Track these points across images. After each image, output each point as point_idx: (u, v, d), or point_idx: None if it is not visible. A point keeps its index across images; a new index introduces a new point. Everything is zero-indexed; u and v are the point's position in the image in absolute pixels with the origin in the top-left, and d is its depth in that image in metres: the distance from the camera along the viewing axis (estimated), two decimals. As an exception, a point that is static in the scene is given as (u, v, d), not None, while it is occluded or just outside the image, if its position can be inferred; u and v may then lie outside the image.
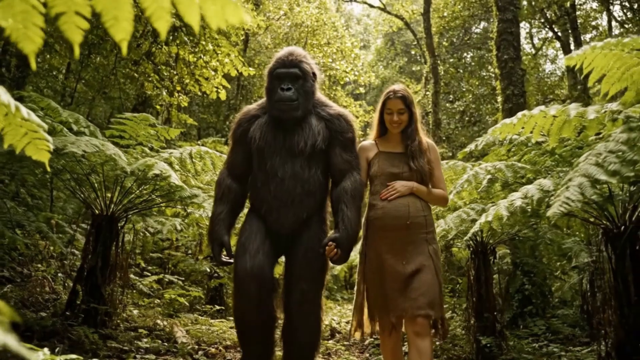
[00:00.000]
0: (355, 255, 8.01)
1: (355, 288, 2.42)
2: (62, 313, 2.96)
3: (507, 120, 2.20)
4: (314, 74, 2.28)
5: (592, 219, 2.47)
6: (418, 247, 2.22)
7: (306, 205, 2.21)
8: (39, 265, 4.57)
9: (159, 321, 3.32)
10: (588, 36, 17.76)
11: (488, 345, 3.48)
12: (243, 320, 2.15)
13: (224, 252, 2.20)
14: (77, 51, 0.72)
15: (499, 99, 6.55)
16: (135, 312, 3.52)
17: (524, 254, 4.80)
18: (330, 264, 2.30)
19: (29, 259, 4.63)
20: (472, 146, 2.79)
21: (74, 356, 1.78)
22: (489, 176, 2.65)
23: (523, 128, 2.12)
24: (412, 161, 2.30)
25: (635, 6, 14.04)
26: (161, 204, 3.20)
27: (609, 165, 1.63)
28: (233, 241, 2.37)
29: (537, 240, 3.48)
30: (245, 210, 2.43)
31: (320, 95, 2.37)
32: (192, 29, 6.65)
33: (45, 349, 1.72)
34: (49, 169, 1.39)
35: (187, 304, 4.19)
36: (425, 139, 2.39)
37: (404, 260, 2.20)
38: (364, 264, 2.34)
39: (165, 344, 2.91)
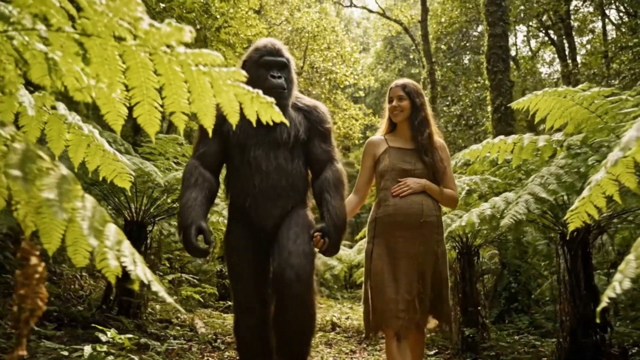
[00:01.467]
0: (355, 256, 8.47)
1: (363, 290, 2.33)
2: (99, 306, 3.45)
3: (474, 147, 2.69)
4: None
5: (551, 225, 2.96)
6: (429, 248, 2.18)
7: (291, 199, 2.16)
8: (64, 265, 5.07)
9: (179, 314, 3.81)
10: (585, 39, 18.27)
11: (471, 335, 3.97)
12: (248, 339, 2.13)
13: (201, 239, 2.02)
14: (181, 133, 1.21)
15: (489, 108, 7.04)
16: (158, 306, 4.01)
17: (510, 254, 5.29)
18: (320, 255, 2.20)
19: (53, 259, 5.13)
20: (452, 162, 3.27)
21: (129, 335, 2.28)
22: (467, 188, 3.14)
23: (489, 152, 2.61)
24: (424, 155, 2.24)
25: (631, 10, 14.50)
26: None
27: (549, 185, 2.12)
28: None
29: (509, 243, 3.97)
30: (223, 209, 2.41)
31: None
32: (200, 41, 7.09)
33: (113, 329, 2.22)
34: (129, 194, 1.88)
35: (201, 300, 4.68)
36: (437, 137, 2.34)
37: (419, 263, 2.15)
38: (370, 265, 2.26)
39: (190, 333, 3.41)
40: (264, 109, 1.16)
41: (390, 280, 2.15)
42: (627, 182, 1.48)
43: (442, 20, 14.00)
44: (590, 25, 16.73)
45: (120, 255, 1.00)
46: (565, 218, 1.58)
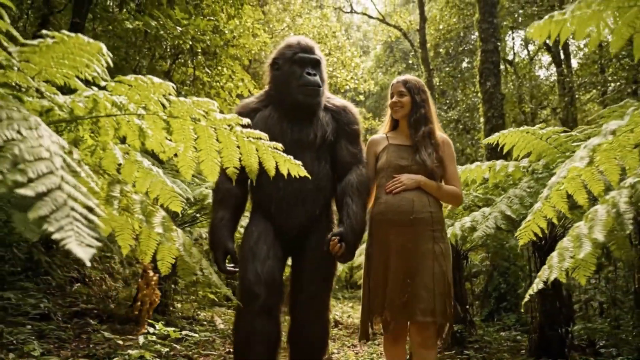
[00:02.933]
0: (355, 258, 8.98)
1: (362, 289, 2.34)
2: (130, 305, 3.97)
3: (455, 171, 3.23)
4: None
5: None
6: (423, 245, 2.13)
7: (317, 202, 2.14)
8: (86, 267, 5.60)
9: (199, 312, 4.34)
10: (582, 43, 18.80)
11: (459, 331, 4.50)
12: (249, 331, 2.02)
13: (229, 260, 2.10)
14: (233, 181, 1.74)
15: (481, 119, 7.56)
16: (179, 305, 4.54)
17: (493, 258, 5.83)
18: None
19: (76, 262, 5.66)
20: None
21: (172, 328, 2.80)
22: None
23: (468, 175, 3.14)
24: (415, 153, 2.23)
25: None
26: (203, 221, 4.22)
27: (513, 205, 2.65)
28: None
29: (490, 248, 4.50)
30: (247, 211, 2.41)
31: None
32: (211, 55, 7.60)
33: (161, 323, 2.74)
34: (179, 215, 2.40)
35: (216, 299, 5.22)
36: (440, 134, 2.32)
37: (408, 260, 2.12)
38: (368, 263, 2.27)
39: (212, 328, 3.94)
40: (293, 168, 1.68)
41: (383, 280, 2.16)
42: (561, 209, 2.01)
43: (440, 27, 14.50)
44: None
45: (202, 268, 1.52)
46: (515, 235, 2.10)
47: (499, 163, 2.96)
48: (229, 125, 1.61)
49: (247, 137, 1.63)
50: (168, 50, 7.97)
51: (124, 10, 7.29)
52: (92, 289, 4.67)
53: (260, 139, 1.63)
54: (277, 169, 1.92)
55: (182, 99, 1.52)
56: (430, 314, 2.04)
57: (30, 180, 1.04)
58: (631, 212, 1.51)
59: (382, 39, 18.32)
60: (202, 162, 1.73)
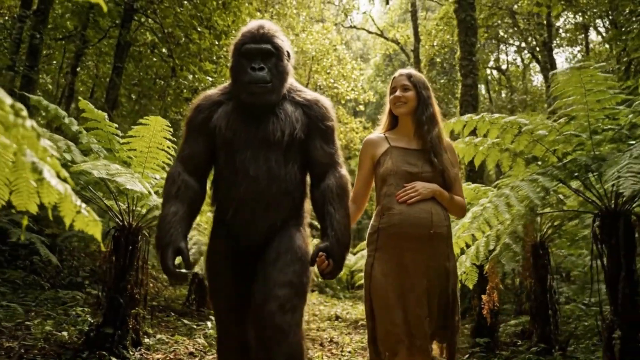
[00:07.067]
0: (355, 261, 10.52)
1: (365, 309, 2.17)
2: (184, 302, 5.55)
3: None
4: (288, 52, 2.05)
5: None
6: (439, 262, 2.04)
7: (283, 209, 1.97)
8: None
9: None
10: (576, 49, 20.35)
11: (431, 322, 6.06)
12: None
13: (180, 263, 1.96)
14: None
15: (461, 144, 9.11)
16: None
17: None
18: (314, 275, 2.08)
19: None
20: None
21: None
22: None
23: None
24: (434, 157, 2.10)
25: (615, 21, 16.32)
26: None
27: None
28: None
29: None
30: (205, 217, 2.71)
31: (293, 79, 2.14)
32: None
33: (222, 312, 4.29)
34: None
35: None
36: (445, 138, 2.23)
37: (426, 278, 2.01)
38: (369, 281, 2.10)
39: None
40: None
41: (396, 301, 2.01)
42: (463, 244, 3.57)
43: (435, 44, 16.01)
44: (581, 36, 18.64)
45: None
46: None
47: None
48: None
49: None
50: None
51: (155, 51, 8.81)
52: (146, 290, 6.24)
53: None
54: (239, 161, 1.91)
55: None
56: (448, 338, 2.05)
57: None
58: (484, 252, 3.08)
59: (380, 51, 19.83)
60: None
